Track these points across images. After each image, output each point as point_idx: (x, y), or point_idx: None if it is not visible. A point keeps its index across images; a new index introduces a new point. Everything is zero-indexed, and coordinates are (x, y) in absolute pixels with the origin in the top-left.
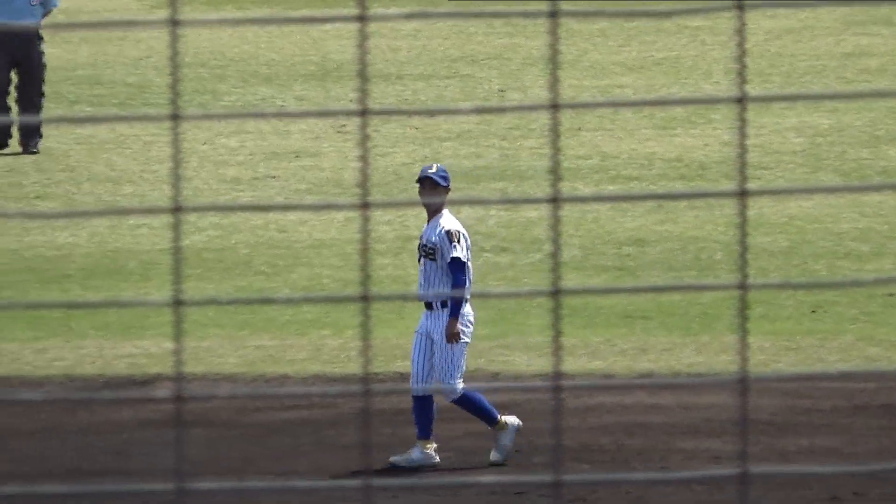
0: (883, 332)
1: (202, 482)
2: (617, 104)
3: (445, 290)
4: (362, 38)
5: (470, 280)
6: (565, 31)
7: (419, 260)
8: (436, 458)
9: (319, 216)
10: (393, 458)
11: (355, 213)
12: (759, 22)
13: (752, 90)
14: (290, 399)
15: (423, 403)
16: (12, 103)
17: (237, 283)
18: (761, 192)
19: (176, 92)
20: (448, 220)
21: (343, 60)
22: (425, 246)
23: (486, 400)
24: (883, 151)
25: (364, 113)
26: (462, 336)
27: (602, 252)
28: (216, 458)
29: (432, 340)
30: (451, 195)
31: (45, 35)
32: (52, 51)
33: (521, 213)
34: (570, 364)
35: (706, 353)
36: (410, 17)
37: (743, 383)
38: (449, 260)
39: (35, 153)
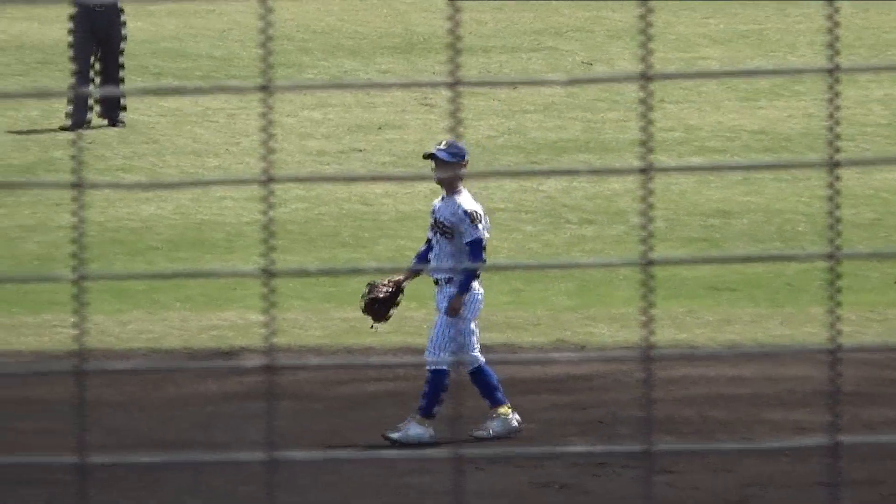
0: None
1: (292, 453)
2: (707, 75)
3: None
4: (454, 9)
5: (485, 259)
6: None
7: (434, 234)
8: (517, 423)
9: (404, 188)
10: (475, 432)
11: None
12: None
13: (839, 62)
14: (375, 371)
15: (479, 378)
16: (95, 79)
17: (321, 255)
18: (851, 163)
19: (267, 63)
20: (466, 199)
21: (428, 33)
22: (440, 223)
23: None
24: None
25: (455, 84)
26: (464, 313)
27: (687, 224)
28: (302, 430)
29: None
30: (540, 166)
31: (129, 9)
32: (137, 24)
33: (606, 186)
34: (655, 335)
35: (791, 325)
36: None
37: (834, 354)
38: (471, 241)
39: (120, 126)
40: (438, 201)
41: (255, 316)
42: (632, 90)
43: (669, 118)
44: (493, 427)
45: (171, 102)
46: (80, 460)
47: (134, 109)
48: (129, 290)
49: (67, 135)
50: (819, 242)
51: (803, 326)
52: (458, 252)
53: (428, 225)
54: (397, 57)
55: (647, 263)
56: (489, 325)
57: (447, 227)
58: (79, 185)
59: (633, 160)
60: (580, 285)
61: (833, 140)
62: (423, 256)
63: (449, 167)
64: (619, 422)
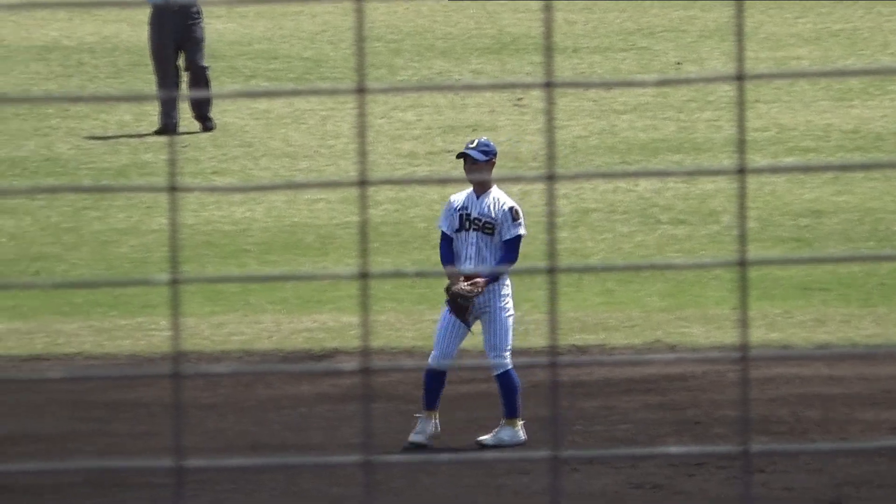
0: None
1: (388, 456)
2: (800, 75)
3: (492, 264)
4: (546, 10)
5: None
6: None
7: (462, 232)
8: (523, 436)
9: None
10: (482, 438)
11: (531, 187)
12: None
13: None
14: (468, 372)
15: (506, 380)
16: (181, 82)
17: (414, 256)
18: None
19: (361, 65)
20: (503, 195)
21: (519, 34)
22: (478, 219)
23: (520, 392)
24: None
25: (547, 85)
26: (509, 310)
27: (779, 224)
28: (396, 432)
29: (480, 315)
30: (632, 167)
31: (220, 11)
32: (228, 25)
33: (699, 186)
34: (749, 335)
35: (884, 325)
36: None
37: None
38: (511, 237)
39: (211, 129)
40: (461, 198)
41: (349, 318)
42: (724, 90)
43: (761, 118)
44: (500, 435)
45: (263, 104)
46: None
47: (225, 112)
48: (223, 292)
49: (159, 138)
50: None
51: None
52: (498, 247)
53: (443, 222)
54: (489, 58)
55: (742, 264)
56: (583, 326)
57: (489, 223)
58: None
59: (725, 160)
60: (673, 286)
61: None
62: (445, 258)
63: (483, 166)
64: (714, 422)
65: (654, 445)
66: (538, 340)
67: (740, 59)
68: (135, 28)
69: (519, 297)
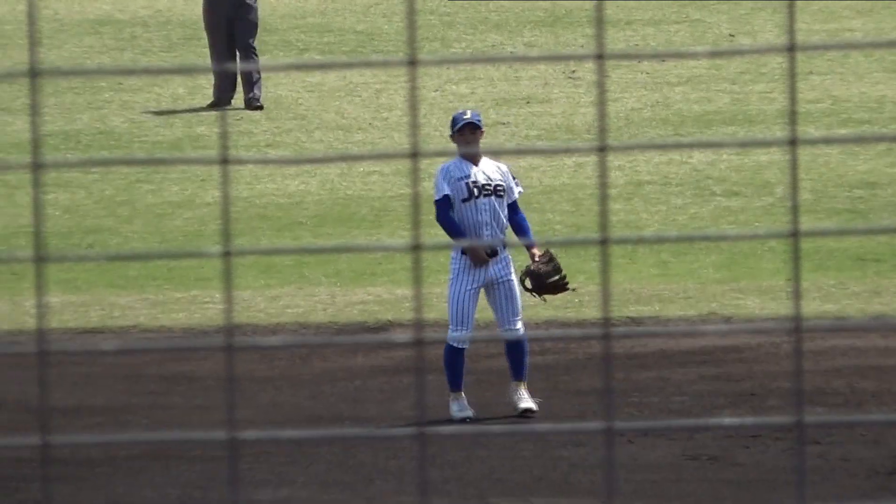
0: None
1: (442, 427)
2: (853, 46)
3: (505, 227)
4: None
5: None
6: None
7: (471, 200)
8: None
9: (550, 162)
10: (525, 406)
11: (585, 159)
12: None
13: None
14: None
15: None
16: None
17: None
18: None
19: (413, 37)
20: (491, 160)
21: (572, 6)
22: (487, 185)
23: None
24: None
25: (600, 57)
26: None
27: (833, 195)
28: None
29: (495, 286)
30: (688, 140)
31: None
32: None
33: (752, 157)
34: (804, 307)
35: None
36: None
37: None
38: (516, 197)
39: (259, 107)
40: (456, 168)
41: (403, 290)
42: (776, 62)
43: (815, 89)
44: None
45: (316, 77)
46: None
47: (279, 85)
48: (277, 265)
49: (212, 111)
50: None
51: None
52: (503, 211)
53: (447, 190)
54: (542, 30)
55: (794, 235)
56: (638, 297)
57: (499, 187)
58: (225, 161)
59: (779, 132)
60: (728, 257)
61: None
62: (459, 229)
63: (480, 135)
64: (769, 393)
65: (709, 417)
66: (592, 312)
67: (792, 30)
68: (188, 2)
69: (573, 269)
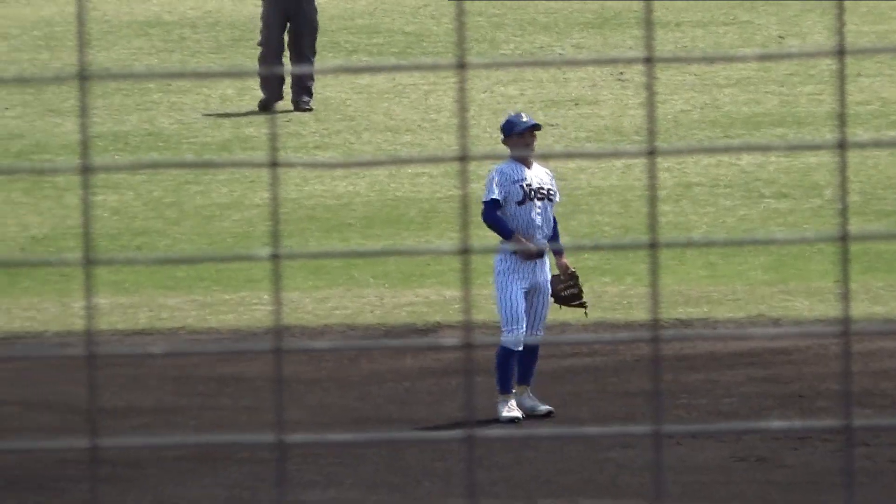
0: None
1: (490, 430)
2: None
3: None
4: None
5: None
6: None
7: (526, 203)
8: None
9: (599, 164)
10: (543, 408)
11: (635, 161)
12: None
13: None
14: (571, 346)
15: (536, 351)
16: (286, 59)
17: None
18: None
19: (462, 39)
20: (541, 164)
21: (621, 8)
22: (541, 189)
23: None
24: None
25: (649, 60)
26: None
27: (882, 197)
28: (496, 405)
29: (538, 291)
30: (734, 140)
31: None
32: (332, 0)
33: (801, 159)
34: (852, 309)
35: None
36: None
37: None
38: (558, 200)
39: (308, 110)
40: (512, 170)
41: (452, 292)
42: (825, 64)
43: (863, 91)
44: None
45: (365, 79)
46: (278, 438)
47: (327, 86)
48: (326, 267)
49: (261, 114)
50: None
51: None
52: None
53: (498, 193)
54: (591, 32)
55: (843, 238)
56: (686, 299)
57: (551, 191)
58: (274, 164)
59: (828, 134)
60: (776, 259)
61: None
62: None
63: (536, 138)
64: (817, 395)
65: (757, 419)
66: (641, 314)
67: (841, 33)
68: (236, 3)
69: (621, 271)
